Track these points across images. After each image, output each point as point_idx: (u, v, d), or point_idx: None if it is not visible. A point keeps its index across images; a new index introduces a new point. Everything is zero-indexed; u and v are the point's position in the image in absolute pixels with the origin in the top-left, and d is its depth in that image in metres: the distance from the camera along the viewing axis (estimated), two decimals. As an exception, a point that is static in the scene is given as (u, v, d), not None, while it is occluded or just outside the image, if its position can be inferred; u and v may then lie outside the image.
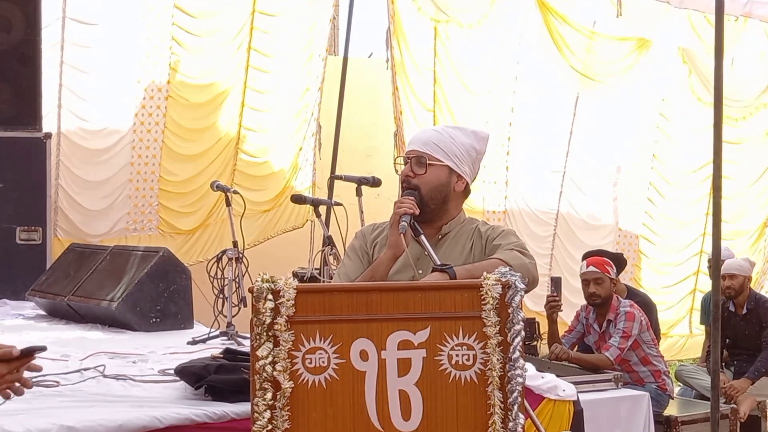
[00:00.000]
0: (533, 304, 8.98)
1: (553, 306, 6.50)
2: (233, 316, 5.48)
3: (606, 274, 6.35)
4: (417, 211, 3.36)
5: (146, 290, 5.82)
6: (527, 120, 9.60)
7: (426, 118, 8.91)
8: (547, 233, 9.86)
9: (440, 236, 3.47)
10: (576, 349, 6.58)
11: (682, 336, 10.66)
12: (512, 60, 9.43)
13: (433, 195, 3.43)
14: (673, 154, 10.38)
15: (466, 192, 3.55)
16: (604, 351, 6.12)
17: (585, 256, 6.91)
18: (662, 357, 6.53)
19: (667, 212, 10.46)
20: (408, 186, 3.43)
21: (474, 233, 3.47)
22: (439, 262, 3.23)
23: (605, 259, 6.54)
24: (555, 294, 6.51)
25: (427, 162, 3.42)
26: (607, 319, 6.34)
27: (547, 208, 9.89)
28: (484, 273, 2.74)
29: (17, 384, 2.68)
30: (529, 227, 9.69)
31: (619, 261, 7.04)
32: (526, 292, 2.81)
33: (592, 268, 6.40)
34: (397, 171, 3.56)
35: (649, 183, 10.34)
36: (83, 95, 7.79)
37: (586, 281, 6.41)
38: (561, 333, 6.64)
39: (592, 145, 9.91)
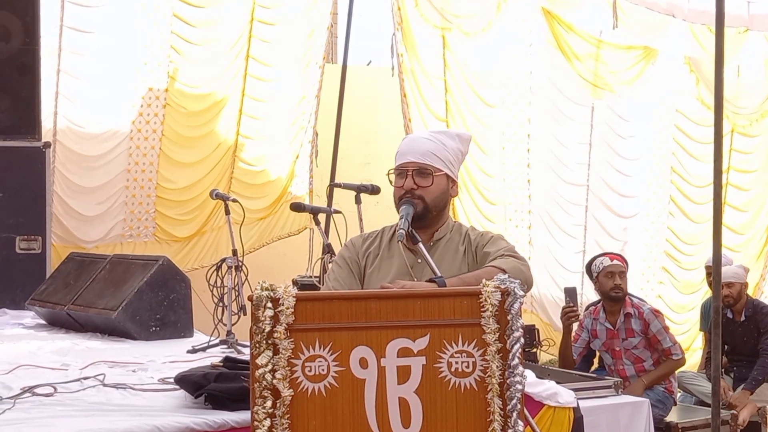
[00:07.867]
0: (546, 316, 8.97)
1: (570, 316, 6.41)
2: (233, 325, 5.47)
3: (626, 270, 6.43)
4: (417, 208, 3.38)
5: (146, 299, 5.80)
6: (545, 132, 9.55)
7: (439, 127, 8.77)
8: (577, 249, 9.82)
9: (432, 243, 3.49)
10: (583, 357, 6.55)
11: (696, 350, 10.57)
12: (524, 70, 9.39)
13: (436, 204, 3.46)
14: (689, 167, 10.30)
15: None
16: (665, 357, 6.15)
17: (595, 257, 6.83)
18: None
19: (687, 228, 10.37)
20: (412, 198, 3.41)
21: (465, 238, 3.49)
22: (438, 272, 3.24)
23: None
24: (572, 304, 6.43)
25: (433, 174, 3.43)
26: (625, 312, 6.28)
27: (573, 223, 9.84)
28: (483, 280, 2.74)
29: None
30: (555, 238, 9.68)
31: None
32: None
33: (616, 262, 6.41)
34: (391, 182, 3.53)
35: (670, 197, 10.28)
36: (80, 102, 7.80)
37: (610, 273, 6.34)
38: None
39: (612, 157, 9.89)
